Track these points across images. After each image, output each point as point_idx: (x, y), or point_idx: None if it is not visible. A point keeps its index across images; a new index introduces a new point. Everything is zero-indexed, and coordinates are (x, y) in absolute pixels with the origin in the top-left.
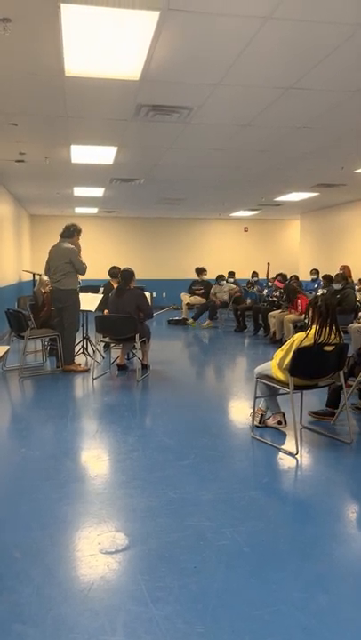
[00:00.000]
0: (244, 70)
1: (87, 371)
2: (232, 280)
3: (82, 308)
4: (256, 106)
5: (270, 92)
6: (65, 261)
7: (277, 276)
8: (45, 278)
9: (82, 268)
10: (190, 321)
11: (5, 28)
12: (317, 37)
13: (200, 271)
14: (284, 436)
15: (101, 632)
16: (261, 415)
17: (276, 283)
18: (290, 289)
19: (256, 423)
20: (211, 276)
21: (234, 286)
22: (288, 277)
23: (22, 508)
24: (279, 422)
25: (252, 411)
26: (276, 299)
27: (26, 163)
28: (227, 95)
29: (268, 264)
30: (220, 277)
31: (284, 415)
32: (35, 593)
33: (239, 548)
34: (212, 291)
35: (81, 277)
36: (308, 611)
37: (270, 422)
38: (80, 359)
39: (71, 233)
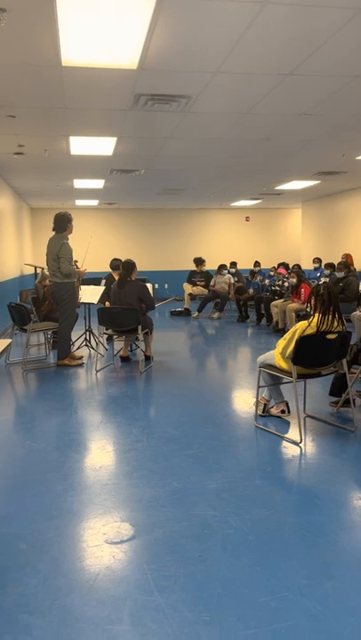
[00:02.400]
0: (243, 57)
1: (81, 365)
2: (233, 270)
3: (84, 301)
4: (255, 93)
5: (270, 79)
6: (53, 257)
7: (280, 265)
8: (47, 272)
9: (65, 268)
10: (195, 314)
11: (0, 19)
12: (316, 22)
13: (199, 262)
14: (287, 424)
15: (108, 621)
16: (265, 404)
17: (280, 271)
18: (300, 276)
19: (260, 412)
20: (212, 266)
21: (231, 277)
22: (291, 266)
23: (27, 500)
24: (283, 411)
25: (255, 400)
26: (278, 288)
27: (25, 155)
28: (226, 83)
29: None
30: (222, 267)
31: (287, 404)
32: (41, 584)
33: (244, 536)
34: (211, 282)
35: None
36: (313, 597)
37: (274, 411)
38: (83, 351)
39: (63, 227)
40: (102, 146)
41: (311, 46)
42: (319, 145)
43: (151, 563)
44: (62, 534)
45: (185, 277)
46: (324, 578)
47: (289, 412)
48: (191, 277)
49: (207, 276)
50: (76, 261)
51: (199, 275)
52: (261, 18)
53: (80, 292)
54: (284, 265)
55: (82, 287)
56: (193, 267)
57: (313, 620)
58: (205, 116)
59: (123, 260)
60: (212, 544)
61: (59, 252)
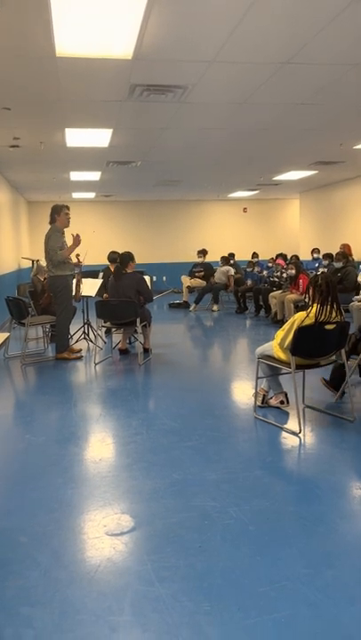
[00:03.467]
0: (239, 46)
1: (80, 358)
2: (231, 262)
3: (82, 294)
4: (252, 83)
5: (266, 68)
6: (45, 250)
7: (278, 256)
8: (42, 264)
9: (54, 258)
10: (193, 307)
11: None
12: (313, 9)
13: (200, 253)
14: (286, 415)
15: (109, 612)
16: (264, 395)
17: (278, 262)
18: (298, 267)
19: (259, 403)
20: (209, 257)
21: (230, 269)
22: (289, 257)
23: (28, 493)
24: (282, 402)
25: (254, 391)
26: (277, 279)
27: (20, 148)
28: (222, 72)
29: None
30: (222, 259)
31: (286, 395)
32: (42, 576)
33: (244, 526)
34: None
35: (82, 262)
36: (313, 586)
37: (273, 402)
38: (81, 344)
39: (53, 218)
40: (98, 137)
41: (308, 34)
42: (317, 134)
43: (152, 554)
44: (62, 527)
45: (183, 269)
46: (324, 567)
47: (288, 402)
48: (192, 269)
49: (207, 267)
50: (77, 255)
51: (200, 265)
52: (258, 5)
53: (82, 285)
54: (282, 256)
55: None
56: (191, 259)
57: (313, 609)
58: (202, 106)
59: (120, 252)
60: (212, 535)
61: (46, 245)
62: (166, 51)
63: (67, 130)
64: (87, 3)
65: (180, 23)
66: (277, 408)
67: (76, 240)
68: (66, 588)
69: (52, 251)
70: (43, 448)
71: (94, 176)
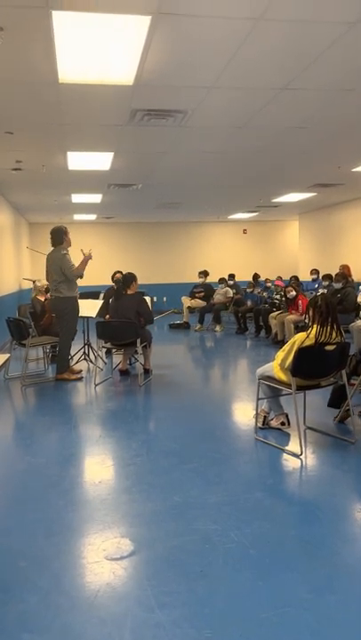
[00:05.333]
0: (238, 72)
1: (80, 379)
2: (232, 282)
3: (82, 314)
4: (251, 107)
5: (264, 93)
6: (57, 270)
7: (277, 278)
8: (39, 284)
9: (71, 274)
10: (198, 327)
11: None
12: (309, 37)
13: (201, 274)
14: (287, 436)
15: (109, 639)
16: (265, 416)
17: (277, 283)
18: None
19: (259, 425)
20: (211, 279)
21: (229, 290)
22: (288, 278)
23: (27, 516)
24: (283, 423)
25: (255, 412)
26: (276, 300)
27: (23, 171)
28: (221, 97)
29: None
30: (220, 280)
31: (287, 416)
32: (41, 601)
33: (246, 550)
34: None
35: (80, 283)
36: (316, 612)
37: (274, 423)
38: (82, 365)
39: (61, 239)
40: (99, 161)
41: (304, 61)
42: (315, 157)
43: (152, 578)
44: (62, 550)
45: (183, 290)
46: (326, 592)
47: (289, 423)
48: (193, 289)
49: (207, 287)
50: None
51: (200, 286)
52: (256, 31)
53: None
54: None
55: (80, 301)
56: (191, 279)
57: (316, 636)
58: (201, 130)
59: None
60: (213, 559)
61: (61, 264)
62: (167, 77)
63: (68, 153)
64: (90, 31)
65: (180, 50)
66: (278, 429)
67: (86, 260)
68: (66, 614)
69: (68, 269)
70: (43, 470)
71: (95, 198)
